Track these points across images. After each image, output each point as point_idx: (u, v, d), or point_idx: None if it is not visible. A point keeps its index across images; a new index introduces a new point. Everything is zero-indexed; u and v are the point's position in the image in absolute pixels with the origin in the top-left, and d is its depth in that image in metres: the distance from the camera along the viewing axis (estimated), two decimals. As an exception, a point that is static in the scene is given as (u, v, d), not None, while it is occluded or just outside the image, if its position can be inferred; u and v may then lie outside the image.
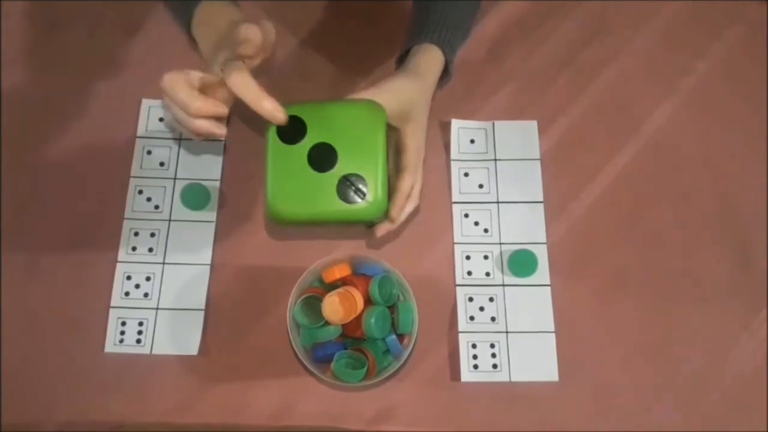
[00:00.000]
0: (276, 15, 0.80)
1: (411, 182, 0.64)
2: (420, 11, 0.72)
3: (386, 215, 0.63)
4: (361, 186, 0.54)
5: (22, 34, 0.82)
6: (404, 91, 0.64)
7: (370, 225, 0.67)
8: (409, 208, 0.66)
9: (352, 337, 0.68)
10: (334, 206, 0.54)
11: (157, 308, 0.71)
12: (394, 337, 0.67)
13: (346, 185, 0.54)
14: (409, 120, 0.64)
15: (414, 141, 0.64)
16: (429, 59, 0.68)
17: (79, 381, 0.68)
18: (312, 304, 0.67)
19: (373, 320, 0.65)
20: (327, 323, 0.66)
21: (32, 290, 0.71)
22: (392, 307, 0.69)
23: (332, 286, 0.68)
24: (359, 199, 0.54)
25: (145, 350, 0.69)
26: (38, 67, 0.80)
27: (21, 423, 0.67)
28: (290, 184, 0.54)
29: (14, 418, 0.67)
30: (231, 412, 0.68)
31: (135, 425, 0.67)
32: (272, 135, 0.54)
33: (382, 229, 0.67)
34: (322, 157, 0.53)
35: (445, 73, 0.71)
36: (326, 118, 0.55)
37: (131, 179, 0.75)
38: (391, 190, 0.60)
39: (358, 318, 0.65)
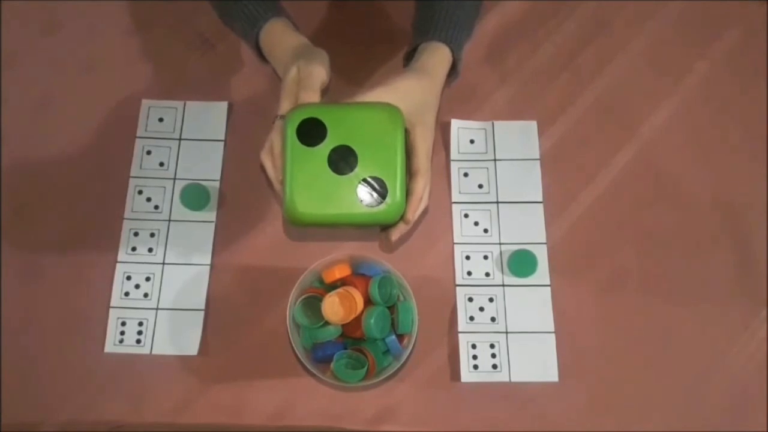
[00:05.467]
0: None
1: (423, 185, 0.64)
2: (425, 10, 0.72)
3: (401, 217, 0.64)
4: (381, 188, 0.54)
5: (22, 34, 0.82)
6: (413, 92, 0.65)
7: (383, 228, 0.67)
8: (420, 209, 0.67)
9: (351, 337, 0.68)
10: (355, 209, 0.54)
11: (157, 308, 0.71)
12: (393, 337, 0.67)
13: (367, 188, 0.54)
14: (418, 122, 0.65)
15: (424, 143, 0.65)
16: (437, 57, 0.69)
17: (79, 381, 0.68)
18: (312, 304, 0.67)
19: (372, 320, 0.65)
20: (327, 323, 0.66)
21: (32, 290, 0.71)
22: (392, 308, 0.69)
23: (332, 286, 0.68)
24: (379, 202, 0.54)
25: (145, 350, 0.69)
26: (38, 67, 0.80)
27: (21, 423, 0.67)
28: (310, 185, 0.54)
29: (14, 418, 0.67)
30: (231, 412, 0.68)
31: (134, 425, 0.67)
32: (291, 136, 0.54)
33: (397, 232, 0.67)
34: (342, 160, 0.54)
35: (453, 70, 0.71)
36: (345, 121, 0.55)
37: (131, 179, 0.75)
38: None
39: (358, 318, 0.65)
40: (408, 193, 0.63)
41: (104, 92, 0.79)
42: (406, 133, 0.64)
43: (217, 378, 0.69)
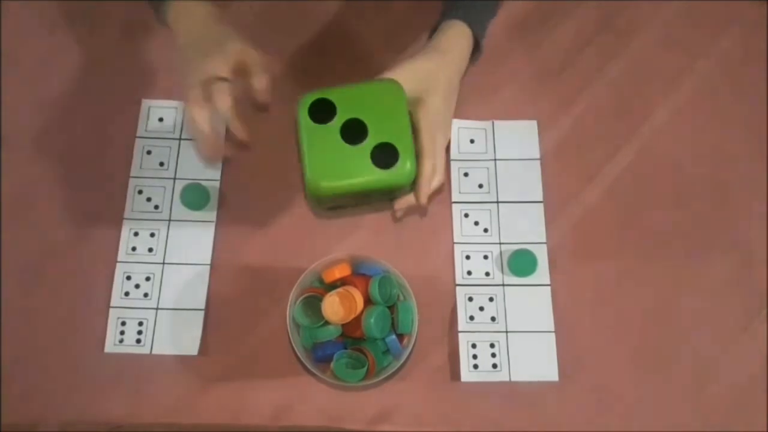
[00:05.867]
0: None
1: (430, 165, 0.65)
2: None
3: (412, 187, 0.65)
4: (392, 153, 0.58)
5: (22, 34, 0.82)
6: (419, 73, 0.66)
7: (391, 198, 0.69)
8: (434, 185, 0.67)
9: (352, 337, 0.68)
10: (371, 174, 0.58)
11: (157, 308, 0.71)
12: (393, 337, 0.67)
13: (380, 153, 0.58)
14: (421, 103, 0.66)
15: (428, 125, 0.65)
16: (452, 34, 0.69)
17: (78, 381, 0.68)
18: (312, 303, 0.67)
19: (372, 320, 0.65)
20: (327, 323, 0.66)
21: (32, 290, 0.71)
22: (392, 307, 0.69)
23: (332, 286, 0.68)
24: (393, 165, 0.58)
25: (145, 350, 0.69)
26: (38, 67, 0.80)
27: (21, 423, 0.67)
28: (327, 159, 0.59)
29: (14, 417, 0.67)
30: (231, 412, 0.68)
31: (134, 425, 0.67)
32: (304, 116, 0.58)
33: (403, 203, 0.69)
34: (354, 131, 0.58)
35: (476, 48, 0.71)
36: (351, 97, 0.60)
37: (131, 179, 0.75)
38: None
39: (358, 318, 0.65)
40: (417, 175, 0.64)
41: (104, 92, 0.79)
42: (411, 114, 0.65)
43: (217, 378, 0.69)
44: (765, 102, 0.80)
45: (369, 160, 0.59)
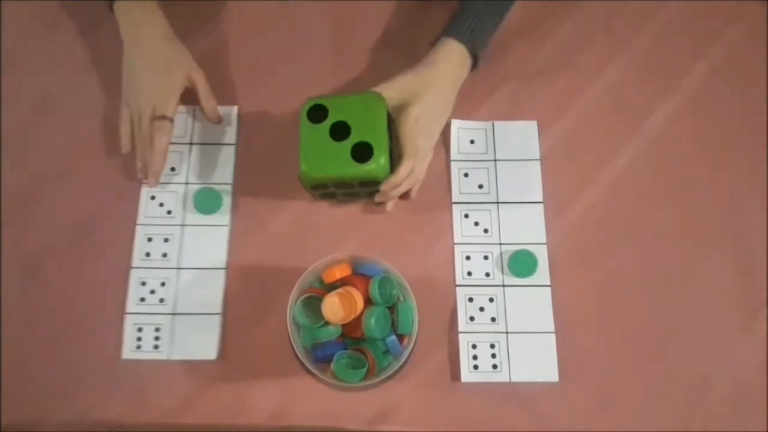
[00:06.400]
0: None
1: (408, 167, 0.69)
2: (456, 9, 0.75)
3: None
4: (369, 150, 0.67)
5: (22, 34, 0.82)
6: (405, 86, 0.70)
7: (376, 191, 0.72)
8: (405, 186, 0.71)
9: (352, 337, 0.68)
10: (350, 166, 0.67)
11: (173, 313, 0.71)
12: (394, 337, 0.67)
13: (358, 150, 0.67)
14: (402, 113, 0.70)
15: (407, 129, 0.69)
16: (443, 51, 0.72)
17: (78, 383, 0.68)
18: (312, 304, 0.67)
19: (373, 320, 0.65)
20: (327, 323, 0.66)
21: (32, 296, 0.71)
22: (392, 308, 0.69)
23: (332, 287, 0.68)
24: (368, 160, 0.67)
25: (163, 356, 0.69)
26: (38, 67, 0.80)
27: (21, 423, 0.67)
28: (317, 152, 0.68)
29: (14, 417, 0.67)
30: (231, 413, 0.68)
31: (134, 425, 0.67)
32: (304, 118, 0.69)
33: (380, 197, 0.72)
34: (340, 131, 0.68)
35: (475, 59, 0.73)
36: (341, 105, 0.69)
37: (143, 185, 0.75)
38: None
39: (358, 318, 0.66)
40: (393, 173, 0.69)
41: (105, 94, 0.79)
42: (392, 122, 0.71)
43: (218, 378, 0.69)
44: (765, 102, 0.80)
45: (349, 155, 0.67)
